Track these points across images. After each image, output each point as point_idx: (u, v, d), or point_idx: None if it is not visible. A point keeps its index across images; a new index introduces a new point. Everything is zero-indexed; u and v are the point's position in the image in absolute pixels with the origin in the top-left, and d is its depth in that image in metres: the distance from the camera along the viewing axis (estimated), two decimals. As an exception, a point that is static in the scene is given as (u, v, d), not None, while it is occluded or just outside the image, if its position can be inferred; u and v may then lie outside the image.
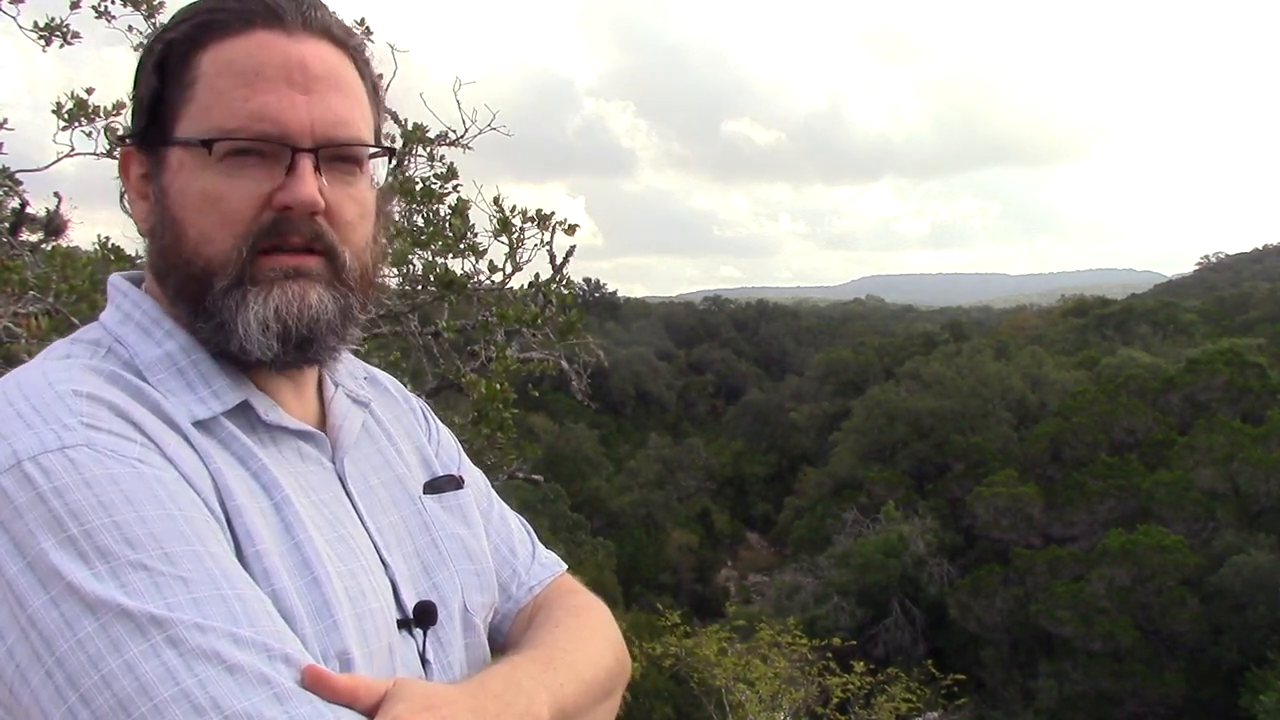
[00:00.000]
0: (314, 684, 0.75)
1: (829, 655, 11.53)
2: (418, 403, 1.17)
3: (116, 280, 0.94)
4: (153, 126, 0.90)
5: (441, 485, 1.07)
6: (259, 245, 0.87)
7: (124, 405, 0.81)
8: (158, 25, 4.29)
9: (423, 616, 0.94)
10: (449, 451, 1.14)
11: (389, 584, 0.94)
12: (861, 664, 11.71)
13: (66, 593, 0.71)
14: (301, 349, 0.90)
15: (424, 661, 0.94)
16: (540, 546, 1.17)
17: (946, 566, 28.98)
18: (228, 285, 0.87)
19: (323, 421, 0.99)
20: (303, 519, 0.87)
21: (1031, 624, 25.11)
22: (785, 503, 40.85)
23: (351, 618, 0.85)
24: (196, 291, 0.88)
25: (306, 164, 0.87)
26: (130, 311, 0.91)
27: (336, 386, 1.02)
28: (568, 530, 30.72)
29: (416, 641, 0.94)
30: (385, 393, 1.13)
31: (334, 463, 0.96)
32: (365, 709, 0.76)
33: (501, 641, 1.07)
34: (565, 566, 1.16)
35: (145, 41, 0.94)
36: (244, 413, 0.90)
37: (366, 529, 0.95)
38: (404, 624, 0.93)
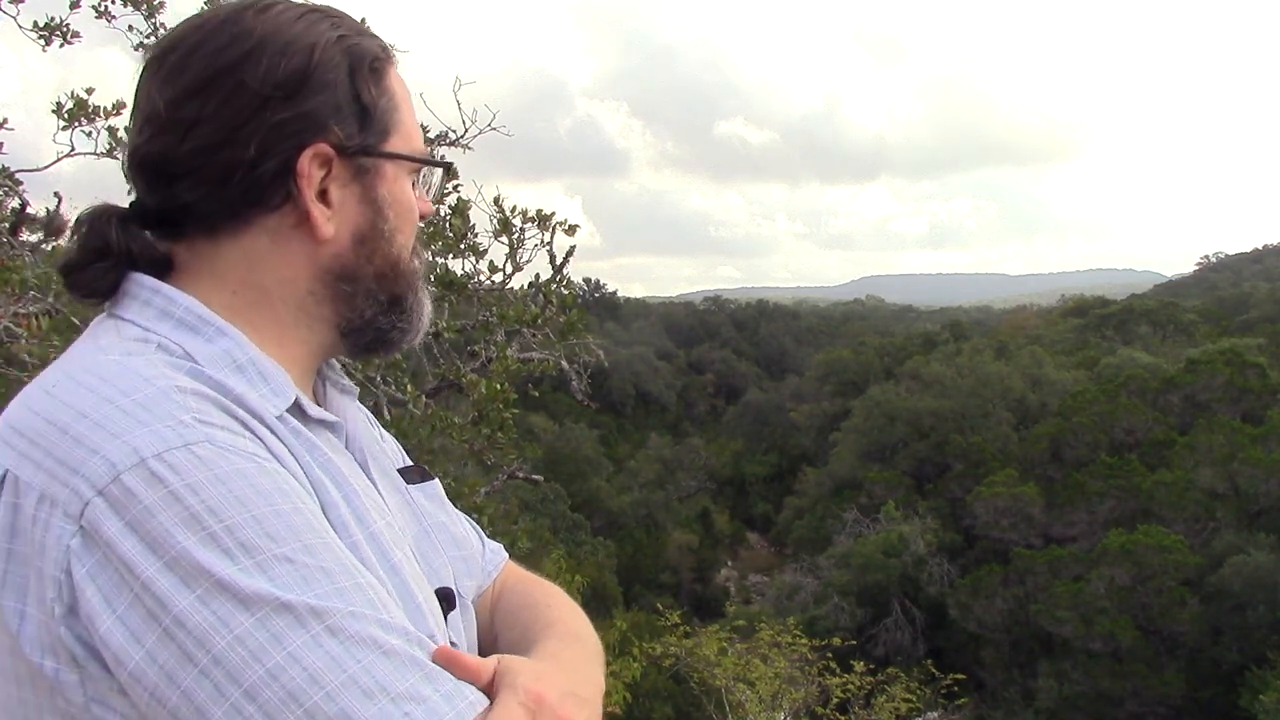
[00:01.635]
0: (447, 663, 0.78)
1: (829, 655, 11.53)
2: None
3: (142, 279, 0.90)
4: (365, 137, 0.93)
5: (415, 476, 1.09)
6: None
7: (222, 401, 0.81)
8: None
9: (444, 600, 0.97)
10: (394, 448, 1.15)
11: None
12: (861, 664, 11.72)
13: (216, 589, 0.70)
14: None
15: (451, 644, 0.96)
16: (485, 537, 1.22)
17: (946, 566, 28.99)
18: (416, 285, 0.99)
19: None
20: (369, 509, 0.89)
21: (1031, 624, 25.13)
22: (785, 503, 40.86)
23: (425, 601, 0.90)
24: (400, 291, 0.97)
25: None
26: (167, 308, 0.88)
27: (324, 380, 1.03)
28: (568, 530, 30.73)
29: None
30: None
31: (350, 452, 0.98)
32: (484, 685, 0.80)
33: None
34: (507, 555, 1.21)
35: (318, 45, 0.92)
36: (295, 407, 0.90)
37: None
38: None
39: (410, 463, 1.12)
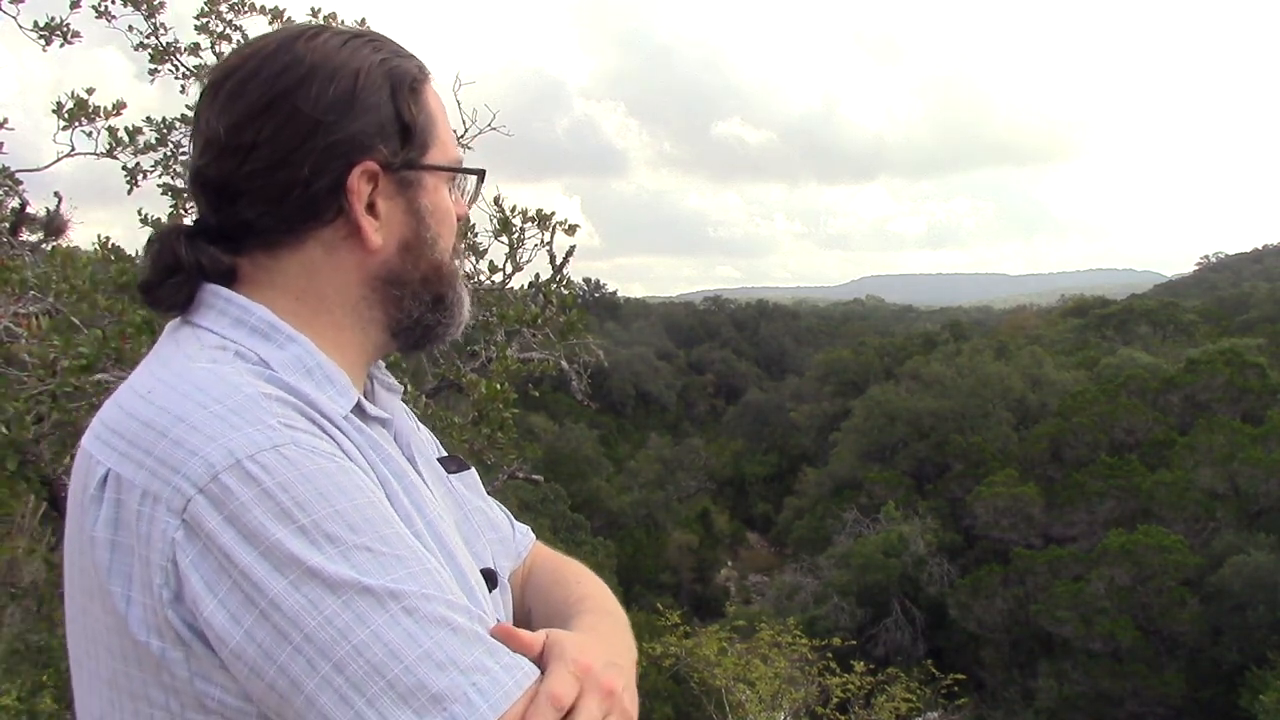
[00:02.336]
0: (504, 638, 0.86)
1: (829, 655, 11.53)
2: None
3: (217, 289, 0.97)
4: (407, 153, 1.00)
5: (453, 465, 1.17)
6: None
7: (300, 405, 0.89)
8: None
9: (487, 579, 1.05)
10: (430, 439, 1.23)
11: None
12: (861, 664, 11.71)
13: (306, 576, 0.78)
14: None
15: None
16: (514, 520, 1.30)
17: (946, 566, 28.97)
18: (457, 283, 1.06)
19: None
20: (427, 500, 0.98)
21: (1031, 624, 25.12)
22: (785, 503, 40.82)
23: (477, 583, 0.98)
24: (443, 290, 1.04)
25: None
26: (242, 317, 0.96)
27: (373, 379, 1.11)
28: (568, 530, 30.72)
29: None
30: None
31: (399, 446, 1.05)
32: (535, 657, 0.88)
33: None
34: (534, 536, 1.30)
35: (362, 70, 1.01)
36: (357, 407, 0.98)
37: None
38: None
39: (446, 453, 1.20)
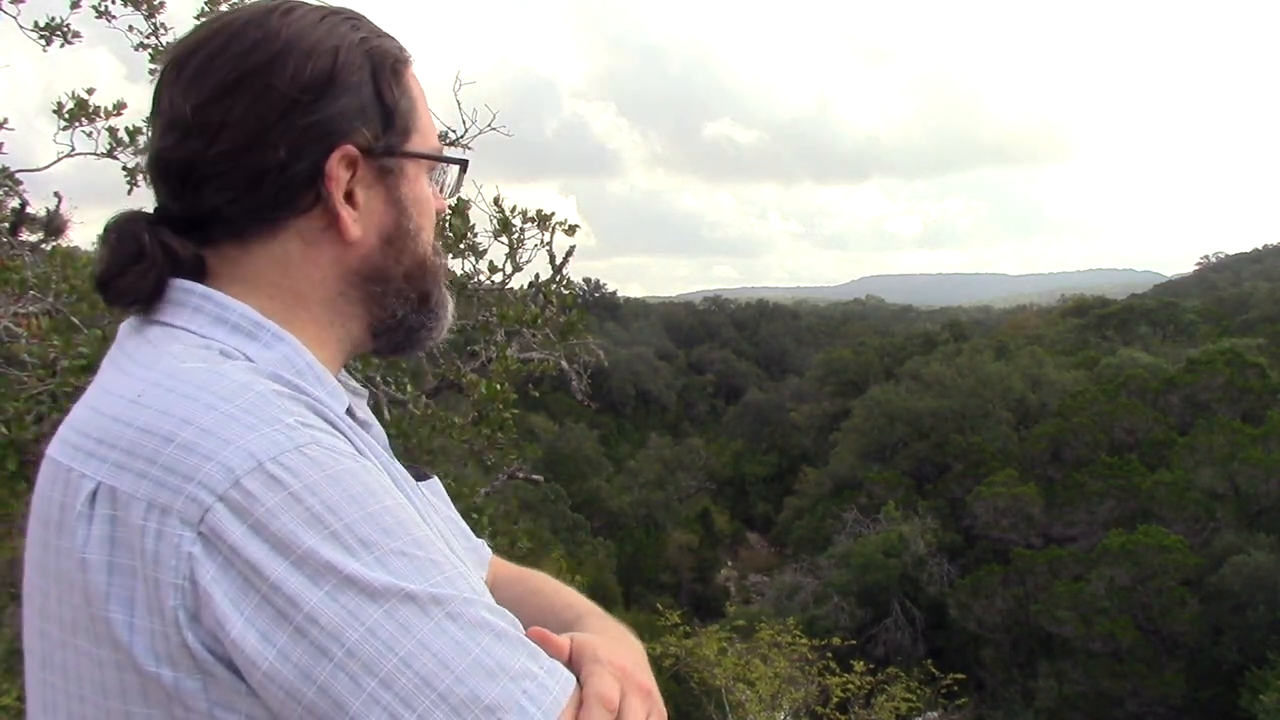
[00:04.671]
0: (540, 641, 0.83)
1: (829, 655, 11.55)
2: None
3: (190, 285, 0.89)
4: (389, 138, 0.94)
5: (415, 475, 1.10)
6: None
7: (312, 404, 0.83)
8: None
9: None
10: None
11: None
12: (861, 664, 11.74)
13: (344, 584, 0.73)
14: None
15: None
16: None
17: (946, 566, 28.98)
18: (441, 281, 1.00)
19: None
20: (424, 508, 0.93)
21: (1031, 624, 25.13)
22: (785, 503, 40.84)
23: (484, 590, 0.94)
24: (428, 288, 0.99)
25: None
26: (221, 315, 0.87)
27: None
28: (568, 530, 30.75)
29: None
30: None
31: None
32: (566, 660, 0.84)
33: None
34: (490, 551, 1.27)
35: (341, 48, 0.93)
36: (347, 409, 0.92)
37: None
38: None
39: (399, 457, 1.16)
